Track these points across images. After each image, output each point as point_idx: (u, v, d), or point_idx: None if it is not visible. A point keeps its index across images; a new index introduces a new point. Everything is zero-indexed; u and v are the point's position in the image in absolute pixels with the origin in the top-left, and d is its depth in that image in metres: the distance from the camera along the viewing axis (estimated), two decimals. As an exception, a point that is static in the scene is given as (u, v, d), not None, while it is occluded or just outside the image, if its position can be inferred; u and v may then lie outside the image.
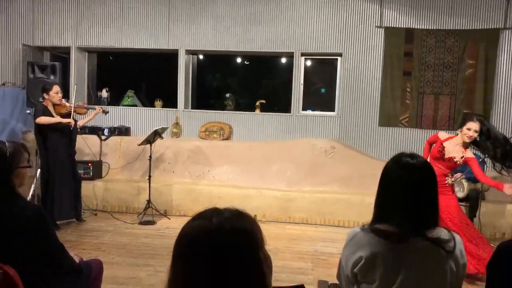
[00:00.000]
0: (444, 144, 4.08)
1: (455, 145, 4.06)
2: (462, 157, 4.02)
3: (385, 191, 1.76)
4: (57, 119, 5.29)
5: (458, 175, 5.44)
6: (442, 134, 4.23)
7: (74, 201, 5.55)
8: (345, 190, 6.28)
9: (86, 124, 6.19)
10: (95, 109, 5.84)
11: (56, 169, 5.33)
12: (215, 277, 0.97)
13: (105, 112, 5.92)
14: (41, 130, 5.31)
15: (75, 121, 5.57)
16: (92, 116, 5.79)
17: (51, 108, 5.37)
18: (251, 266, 1.00)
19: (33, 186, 5.85)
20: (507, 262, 1.79)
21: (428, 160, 3.73)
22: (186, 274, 0.99)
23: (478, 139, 4.01)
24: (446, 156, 4.04)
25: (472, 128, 3.97)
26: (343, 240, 1.85)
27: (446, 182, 4.05)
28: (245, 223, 1.03)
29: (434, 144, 4.23)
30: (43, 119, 5.18)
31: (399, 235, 1.65)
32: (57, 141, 5.34)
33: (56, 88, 5.37)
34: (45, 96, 5.35)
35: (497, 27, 6.49)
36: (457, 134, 4.13)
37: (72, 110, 5.42)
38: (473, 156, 4.08)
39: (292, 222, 6.06)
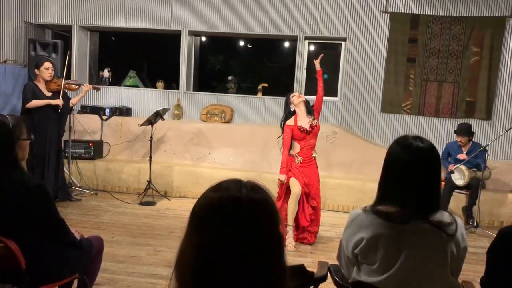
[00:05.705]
0: (298, 124, 4.44)
1: (302, 118, 4.48)
2: (313, 119, 4.51)
3: (391, 173, 1.74)
4: (46, 100, 5.23)
5: (463, 156, 5.45)
6: (287, 127, 4.48)
7: (56, 179, 5.51)
8: (346, 175, 6.28)
9: (85, 103, 6.12)
10: (85, 85, 5.72)
11: (43, 146, 5.26)
12: (240, 247, 0.96)
13: (97, 89, 5.89)
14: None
15: (69, 98, 5.56)
16: (84, 94, 5.70)
17: (42, 86, 5.33)
18: (274, 238, 1.01)
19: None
20: (508, 248, 1.80)
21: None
22: (213, 242, 0.97)
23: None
24: (308, 129, 4.44)
25: (295, 93, 4.61)
26: (342, 225, 1.85)
27: (313, 155, 4.61)
28: (267, 195, 1.05)
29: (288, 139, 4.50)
30: (34, 103, 5.15)
31: (401, 216, 1.65)
32: (46, 116, 5.28)
33: (47, 64, 5.31)
34: (36, 71, 5.34)
35: (504, 15, 6.41)
36: (293, 110, 4.52)
37: (62, 86, 5.39)
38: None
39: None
